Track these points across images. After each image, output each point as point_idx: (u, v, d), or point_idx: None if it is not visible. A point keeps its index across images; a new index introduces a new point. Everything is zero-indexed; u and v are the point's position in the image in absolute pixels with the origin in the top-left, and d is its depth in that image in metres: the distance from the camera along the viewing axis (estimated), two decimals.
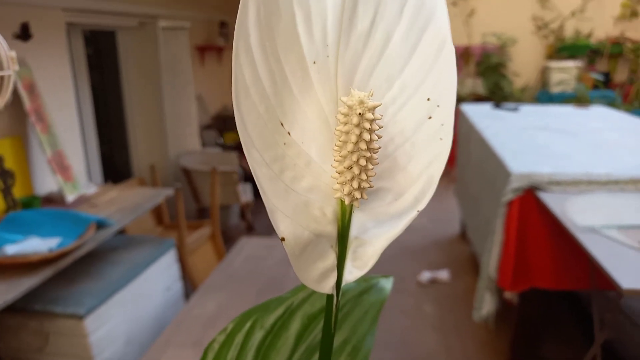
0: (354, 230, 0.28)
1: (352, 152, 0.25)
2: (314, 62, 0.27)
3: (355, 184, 0.26)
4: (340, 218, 0.27)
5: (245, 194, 4.22)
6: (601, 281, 1.67)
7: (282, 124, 0.26)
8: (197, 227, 3.43)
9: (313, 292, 0.42)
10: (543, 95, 5.19)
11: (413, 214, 0.28)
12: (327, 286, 0.27)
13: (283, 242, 0.25)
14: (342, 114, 0.26)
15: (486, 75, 5.37)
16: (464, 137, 3.04)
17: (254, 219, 4.74)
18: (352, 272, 0.28)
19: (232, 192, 3.85)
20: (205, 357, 0.40)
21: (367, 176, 0.26)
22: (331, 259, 0.27)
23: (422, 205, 0.28)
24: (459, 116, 3.27)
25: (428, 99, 0.28)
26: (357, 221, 0.28)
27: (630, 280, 1.13)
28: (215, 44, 5.15)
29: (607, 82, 5.19)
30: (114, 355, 2.34)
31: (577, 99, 4.57)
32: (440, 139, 0.28)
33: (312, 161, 0.27)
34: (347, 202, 0.27)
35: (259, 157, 0.25)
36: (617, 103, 4.58)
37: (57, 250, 2.03)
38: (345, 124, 0.25)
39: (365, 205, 0.28)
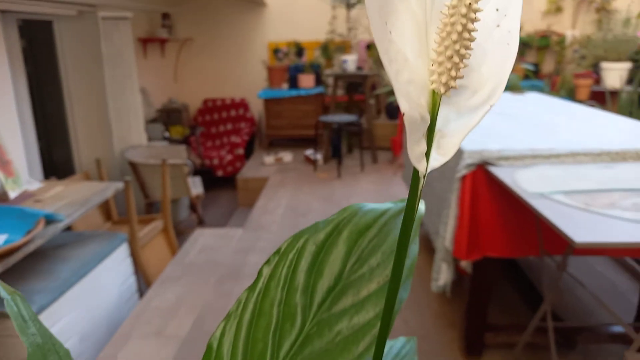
0: (438, 123, 0.33)
1: (455, 42, 0.30)
2: None
3: (453, 73, 0.30)
4: (431, 109, 0.32)
5: (195, 187, 4.16)
6: (549, 247, 1.82)
7: (386, 23, 0.30)
8: (148, 221, 3.35)
9: (357, 212, 0.46)
10: None
11: (487, 107, 0.33)
12: (422, 167, 0.32)
13: (403, 116, 0.30)
14: (450, 5, 0.30)
15: None
16: None
17: (204, 212, 4.67)
18: (437, 159, 0.33)
19: (182, 185, 3.79)
20: (261, 274, 0.43)
21: (463, 66, 0.31)
22: (423, 145, 0.32)
23: (494, 101, 0.33)
24: None
25: (497, 9, 0.33)
26: (442, 114, 0.33)
27: (581, 235, 1.25)
28: (158, 36, 5.01)
29: (536, 72, 5.55)
30: None
31: (510, 88, 4.85)
32: (508, 44, 0.33)
33: (408, 59, 0.31)
34: (442, 91, 0.31)
35: (378, 47, 0.30)
36: (546, 91, 4.92)
37: (4, 247, 1.93)
38: (452, 15, 0.30)
39: (449, 100, 0.33)
